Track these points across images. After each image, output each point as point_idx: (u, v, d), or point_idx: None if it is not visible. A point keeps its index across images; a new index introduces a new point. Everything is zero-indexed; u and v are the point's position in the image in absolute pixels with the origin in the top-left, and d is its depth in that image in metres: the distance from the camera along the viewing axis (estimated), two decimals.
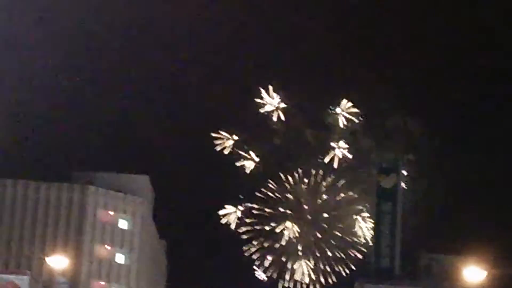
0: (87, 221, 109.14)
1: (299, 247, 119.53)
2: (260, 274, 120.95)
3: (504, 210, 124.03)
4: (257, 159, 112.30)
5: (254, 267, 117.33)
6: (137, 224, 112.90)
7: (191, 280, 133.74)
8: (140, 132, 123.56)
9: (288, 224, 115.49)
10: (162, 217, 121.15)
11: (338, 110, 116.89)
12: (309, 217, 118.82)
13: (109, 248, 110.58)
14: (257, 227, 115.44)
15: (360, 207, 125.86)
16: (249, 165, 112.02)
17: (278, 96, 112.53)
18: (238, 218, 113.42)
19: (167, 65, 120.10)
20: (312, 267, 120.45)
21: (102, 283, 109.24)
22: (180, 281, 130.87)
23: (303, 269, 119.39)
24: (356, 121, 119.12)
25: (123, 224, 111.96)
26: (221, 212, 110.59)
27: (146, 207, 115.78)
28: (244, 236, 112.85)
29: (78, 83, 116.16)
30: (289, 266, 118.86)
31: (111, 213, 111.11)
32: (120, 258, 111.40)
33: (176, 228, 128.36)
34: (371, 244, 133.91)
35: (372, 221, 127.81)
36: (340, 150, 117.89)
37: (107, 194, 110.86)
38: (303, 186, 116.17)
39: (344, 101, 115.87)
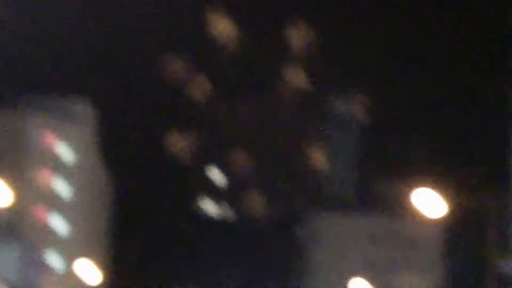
0: (26, 147, 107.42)
1: (251, 177, 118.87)
2: (207, 207, 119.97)
3: (467, 140, 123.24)
4: (208, 86, 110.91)
5: (201, 198, 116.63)
6: (79, 152, 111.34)
7: (136, 212, 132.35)
8: (83, 54, 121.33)
9: (239, 152, 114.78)
10: (106, 146, 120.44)
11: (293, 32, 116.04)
12: (260, 144, 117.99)
13: (50, 177, 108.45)
14: (206, 156, 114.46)
15: (314, 135, 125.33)
16: (200, 92, 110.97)
17: (230, 22, 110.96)
18: (187, 147, 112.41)
19: None
20: (266, 197, 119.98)
21: (43, 208, 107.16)
22: (124, 214, 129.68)
23: (256, 200, 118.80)
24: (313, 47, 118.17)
25: (64, 152, 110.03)
26: (169, 141, 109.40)
27: (88, 133, 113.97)
28: (192, 165, 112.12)
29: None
30: (242, 197, 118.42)
31: (52, 140, 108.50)
32: (61, 188, 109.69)
33: (121, 157, 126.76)
34: (325, 172, 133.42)
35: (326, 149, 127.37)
36: (293, 76, 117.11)
37: (47, 119, 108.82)
38: (255, 114, 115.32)
39: (299, 23, 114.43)
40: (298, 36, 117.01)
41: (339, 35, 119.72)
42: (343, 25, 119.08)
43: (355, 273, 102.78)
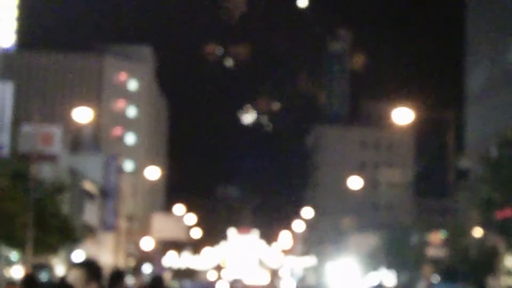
0: (105, 82, 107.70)
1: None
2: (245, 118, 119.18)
3: (431, 70, 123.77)
4: None
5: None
6: (143, 85, 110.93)
7: (187, 124, 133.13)
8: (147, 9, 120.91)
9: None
10: (163, 77, 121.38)
11: None
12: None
13: (124, 104, 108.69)
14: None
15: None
16: None
17: None
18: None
19: None
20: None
21: (120, 128, 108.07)
22: (177, 126, 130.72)
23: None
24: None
25: (132, 85, 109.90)
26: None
27: (150, 71, 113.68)
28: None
29: None
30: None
31: (123, 76, 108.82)
32: (131, 112, 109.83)
33: (174, 84, 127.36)
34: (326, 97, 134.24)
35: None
36: None
37: (119, 62, 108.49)
38: None
39: None
40: None
41: None
42: None
43: (350, 172, 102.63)
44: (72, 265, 8.41)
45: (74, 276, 7.70)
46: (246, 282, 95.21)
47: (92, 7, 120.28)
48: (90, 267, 7.79)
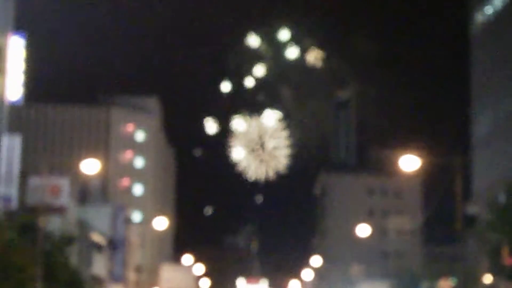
0: (112, 134, 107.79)
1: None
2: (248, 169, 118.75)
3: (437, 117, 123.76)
4: None
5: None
6: (150, 136, 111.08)
7: (195, 180, 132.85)
8: (152, 61, 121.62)
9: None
10: (171, 129, 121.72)
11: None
12: None
13: (130, 154, 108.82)
14: None
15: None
16: None
17: None
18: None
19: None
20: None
21: (127, 179, 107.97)
22: (183, 176, 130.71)
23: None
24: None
25: (140, 136, 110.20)
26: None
27: (157, 121, 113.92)
28: None
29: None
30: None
31: (130, 128, 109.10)
32: (139, 163, 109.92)
33: (182, 138, 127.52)
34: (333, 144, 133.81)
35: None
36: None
37: (126, 113, 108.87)
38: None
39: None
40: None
41: None
42: None
43: (358, 220, 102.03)
44: None
45: None
46: None
47: (98, 59, 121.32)
48: None
